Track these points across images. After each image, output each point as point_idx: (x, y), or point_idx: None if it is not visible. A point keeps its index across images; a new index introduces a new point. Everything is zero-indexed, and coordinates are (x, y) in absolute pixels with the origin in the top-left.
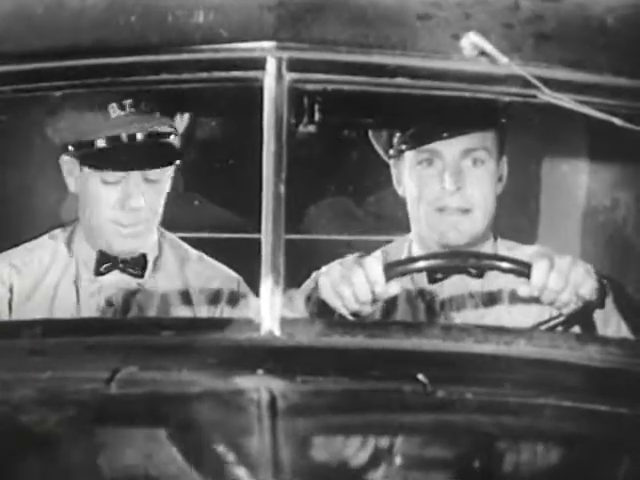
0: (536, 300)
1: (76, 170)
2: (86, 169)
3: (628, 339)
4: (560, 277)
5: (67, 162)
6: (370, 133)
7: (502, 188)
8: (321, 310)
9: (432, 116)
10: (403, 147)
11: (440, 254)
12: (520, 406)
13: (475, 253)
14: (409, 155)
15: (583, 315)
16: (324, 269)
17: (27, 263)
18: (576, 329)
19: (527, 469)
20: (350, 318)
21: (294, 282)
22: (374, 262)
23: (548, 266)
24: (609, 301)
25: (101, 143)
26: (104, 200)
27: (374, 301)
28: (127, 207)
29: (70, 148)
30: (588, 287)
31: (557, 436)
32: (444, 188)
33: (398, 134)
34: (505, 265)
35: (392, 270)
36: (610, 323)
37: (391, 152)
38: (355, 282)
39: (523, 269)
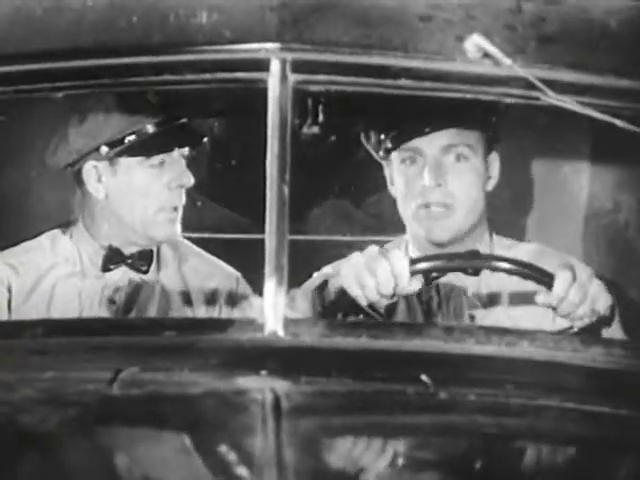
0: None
1: (107, 171)
2: (122, 165)
3: (631, 341)
4: (580, 290)
5: (94, 167)
6: (361, 136)
7: (494, 185)
8: (327, 312)
9: (412, 114)
10: (388, 146)
11: (464, 254)
12: (522, 407)
13: (500, 257)
14: (395, 155)
15: (593, 330)
16: (324, 270)
17: (25, 263)
18: None
19: (530, 470)
20: (365, 309)
21: (297, 282)
22: (400, 256)
23: (571, 278)
24: (616, 319)
25: (132, 137)
26: (150, 186)
27: (392, 295)
28: (174, 186)
29: (104, 148)
30: (603, 302)
31: (560, 438)
32: (425, 184)
33: (383, 135)
34: (528, 272)
35: (417, 265)
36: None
37: (381, 153)
38: (380, 273)
39: (546, 279)
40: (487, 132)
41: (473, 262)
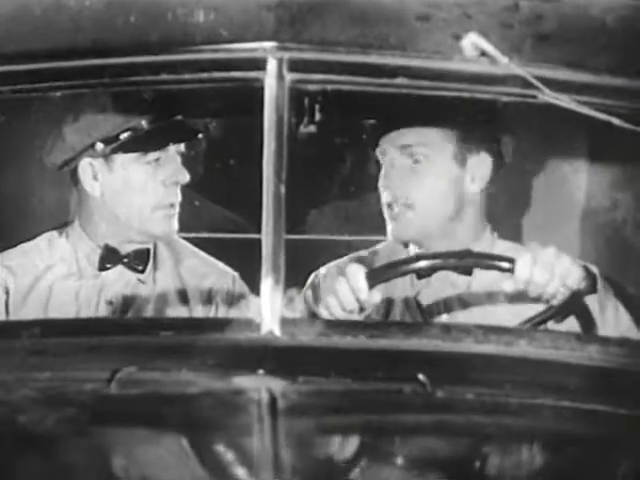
0: (524, 295)
1: (102, 169)
2: (118, 162)
3: (629, 339)
4: (544, 270)
5: (89, 165)
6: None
7: (483, 186)
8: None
9: (383, 112)
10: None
11: (421, 256)
12: (520, 406)
13: (457, 253)
14: (378, 153)
15: (574, 304)
16: (322, 270)
17: (22, 265)
18: (572, 319)
19: (527, 470)
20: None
21: (294, 282)
22: (357, 270)
23: (531, 260)
24: (601, 285)
25: (127, 133)
26: (146, 183)
27: (361, 309)
28: (169, 183)
29: (99, 145)
30: (574, 276)
31: (557, 436)
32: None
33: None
34: (487, 262)
35: (374, 277)
36: (606, 307)
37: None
38: (339, 291)
39: (506, 265)
40: (458, 130)
41: (431, 263)
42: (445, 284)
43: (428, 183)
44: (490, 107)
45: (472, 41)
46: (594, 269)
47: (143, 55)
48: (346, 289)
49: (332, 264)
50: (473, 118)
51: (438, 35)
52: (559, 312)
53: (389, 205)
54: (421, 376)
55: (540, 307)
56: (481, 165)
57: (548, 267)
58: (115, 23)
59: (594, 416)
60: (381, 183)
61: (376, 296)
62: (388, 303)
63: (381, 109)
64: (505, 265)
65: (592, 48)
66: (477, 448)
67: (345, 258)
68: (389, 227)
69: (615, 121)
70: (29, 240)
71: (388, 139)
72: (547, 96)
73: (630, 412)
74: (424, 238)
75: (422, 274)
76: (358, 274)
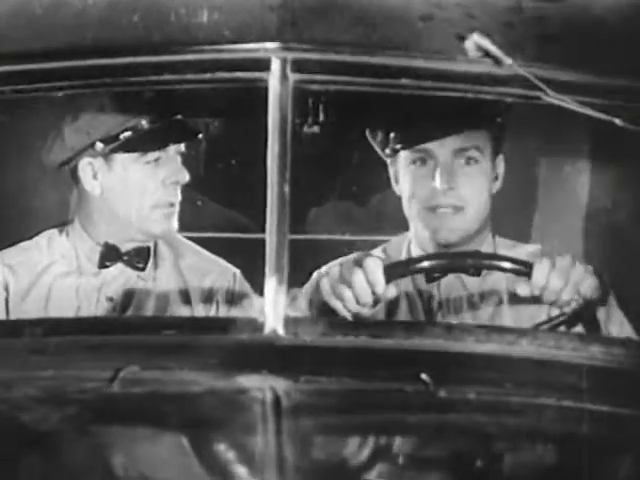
0: (536, 299)
1: (102, 168)
2: (117, 161)
3: (631, 339)
4: (561, 276)
5: (89, 164)
6: (367, 132)
7: (499, 187)
8: (323, 311)
9: (425, 116)
10: (397, 147)
11: (440, 254)
12: (522, 406)
13: (476, 253)
14: (404, 154)
15: (586, 313)
16: (324, 269)
17: (22, 262)
18: (579, 327)
19: (529, 469)
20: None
21: (298, 281)
22: (375, 263)
23: (549, 265)
24: (611, 298)
25: (127, 133)
26: (146, 182)
27: (375, 303)
28: (169, 182)
29: (99, 145)
30: (588, 285)
31: (559, 436)
32: (436, 187)
33: (393, 134)
34: (506, 265)
35: (393, 271)
36: (613, 320)
37: (387, 151)
38: (355, 283)
39: (524, 268)
40: (495, 133)
41: (450, 261)
42: (456, 285)
43: (478, 186)
44: (504, 106)
45: (475, 41)
46: (606, 279)
47: (146, 55)
48: (363, 281)
49: (342, 259)
50: (496, 118)
51: (441, 35)
52: (569, 320)
53: (434, 208)
54: (424, 375)
55: (544, 309)
56: (501, 166)
57: (564, 274)
58: (118, 23)
59: (596, 416)
60: (409, 186)
61: (392, 291)
62: (393, 303)
63: (392, 111)
64: (523, 269)
65: (595, 49)
66: (479, 447)
67: (359, 253)
68: (429, 229)
69: (617, 122)
70: (29, 238)
71: (438, 143)
72: (550, 97)
73: (632, 412)
74: (464, 242)
75: (432, 277)
76: (376, 267)
